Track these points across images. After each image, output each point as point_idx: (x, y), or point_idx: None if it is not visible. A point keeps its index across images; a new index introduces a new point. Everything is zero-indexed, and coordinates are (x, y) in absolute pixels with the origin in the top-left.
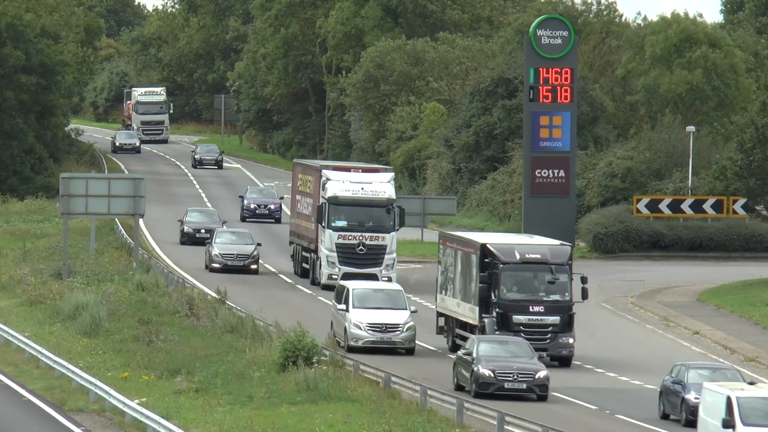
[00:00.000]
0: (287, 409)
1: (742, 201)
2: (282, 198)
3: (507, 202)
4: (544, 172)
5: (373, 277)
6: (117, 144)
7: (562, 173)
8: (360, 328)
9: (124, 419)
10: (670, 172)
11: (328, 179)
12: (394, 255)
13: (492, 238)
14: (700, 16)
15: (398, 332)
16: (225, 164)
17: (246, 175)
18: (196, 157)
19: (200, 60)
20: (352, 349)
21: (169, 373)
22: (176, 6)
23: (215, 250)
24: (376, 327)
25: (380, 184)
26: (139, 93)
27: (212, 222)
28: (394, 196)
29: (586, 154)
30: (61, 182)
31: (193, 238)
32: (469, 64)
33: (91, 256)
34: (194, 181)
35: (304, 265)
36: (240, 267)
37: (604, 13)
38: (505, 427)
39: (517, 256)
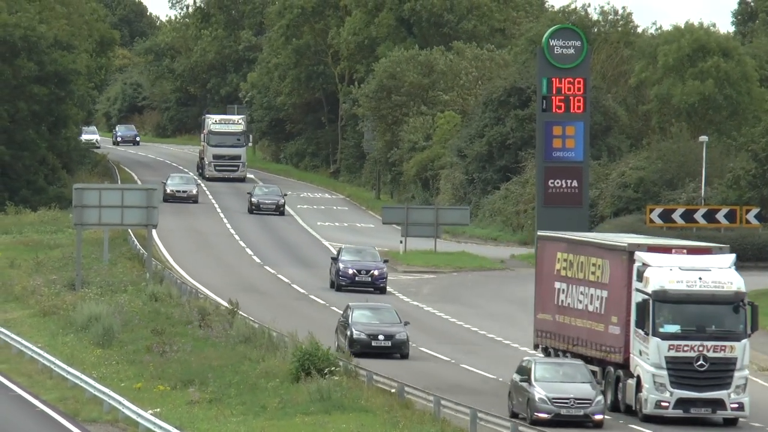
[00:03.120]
0: (301, 420)
1: (755, 210)
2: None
3: (520, 212)
4: (557, 182)
5: (718, 405)
6: (168, 191)
7: (575, 183)
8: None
9: (138, 430)
10: (683, 182)
11: (646, 265)
12: (746, 372)
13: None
14: (714, 26)
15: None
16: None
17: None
18: (253, 200)
19: (213, 71)
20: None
21: (182, 384)
22: (188, 18)
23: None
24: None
25: (722, 272)
26: (212, 121)
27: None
28: (743, 288)
29: (599, 164)
30: (75, 193)
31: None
32: (478, 74)
33: (105, 266)
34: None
35: None
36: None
37: (620, 23)
38: None
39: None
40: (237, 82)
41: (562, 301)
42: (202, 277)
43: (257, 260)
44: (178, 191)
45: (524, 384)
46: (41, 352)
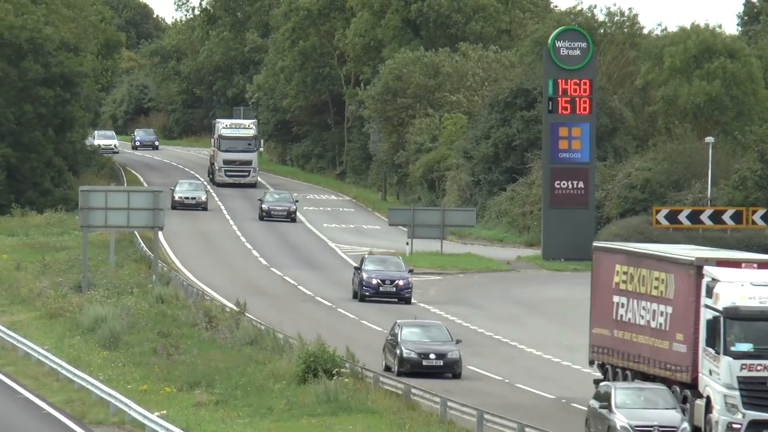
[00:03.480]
0: (307, 421)
1: (761, 211)
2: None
3: (526, 213)
4: (564, 184)
5: None
6: (176, 198)
7: (581, 184)
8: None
9: None
10: (690, 183)
11: (715, 280)
12: None
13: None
14: (719, 27)
15: None
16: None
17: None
18: (263, 207)
19: (219, 72)
20: None
21: (189, 386)
22: (194, 20)
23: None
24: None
25: None
26: (222, 126)
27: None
28: None
29: (605, 165)
30: (81, 195)
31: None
32: (484, 74)
33: (111, 268)
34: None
35: None
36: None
37: (626, 24)
38: None
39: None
40: (243, 84)
41: (622, 315)
42: (209, 279)
43: (263, 262)
44: (187, 198)
45: (604, 411)
46: (48, 354)
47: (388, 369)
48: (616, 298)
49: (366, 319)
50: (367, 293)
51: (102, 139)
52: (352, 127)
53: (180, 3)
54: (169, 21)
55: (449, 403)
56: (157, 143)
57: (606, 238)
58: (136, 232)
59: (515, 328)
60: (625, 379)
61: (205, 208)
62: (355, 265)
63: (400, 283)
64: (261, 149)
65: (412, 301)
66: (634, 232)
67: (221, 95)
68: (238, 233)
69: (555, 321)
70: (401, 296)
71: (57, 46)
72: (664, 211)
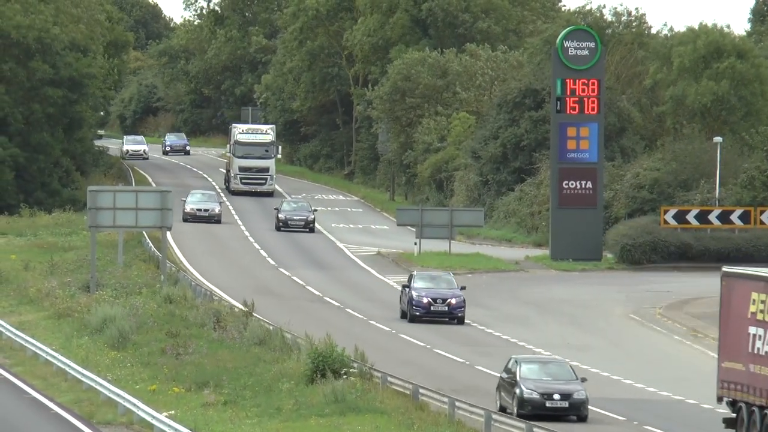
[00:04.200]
0: (316, 422)
1: None
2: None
3: (534, 213)
4: (572, 184)
5: None
6: (188, 210)
7: (589, 184)
8: None
9: None
10: (697, 183)
11: None
12: None
13: None
14: (728, 27)
15: None
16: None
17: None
18: (280, 216)
19: (227, 72)
20: None
21: (197, 386)
22: (202, 20)
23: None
24: None
25: None
26: (239, 131)
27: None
28: None
29: (614, 165)
30: (89, 195)
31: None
32: (493, 74)
33: (119, 269)
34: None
35: None
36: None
37: (634, 24)
38: None
39: None
40: (252, 83)
41: (759, 349)
42: (217, 279)
43: (272, 262)
44: (199, 210)
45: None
46: (56, 354)
47: (503, 409)
48: (752, 330)
49: (374, 319)
50: (417, 313)
51: (131, 144)
52: (360, 127)
53: (188, 2)
54: (177, 21)
55: (457, 404)
56: (188, 148)
57: (614, 239)
58: (144, 232)
59: (523, 329)
60: (763, 419)
61: (218, 221)
62: (402, 282)
63: (453, 301)
64: (279, 155)
65: (466, 321)
66: (642, 232)
67: (229, 95)
68: (246, 233)
69: (563, 321)
70: (454, 315)
71: (65, 46)
72: (672, 211)
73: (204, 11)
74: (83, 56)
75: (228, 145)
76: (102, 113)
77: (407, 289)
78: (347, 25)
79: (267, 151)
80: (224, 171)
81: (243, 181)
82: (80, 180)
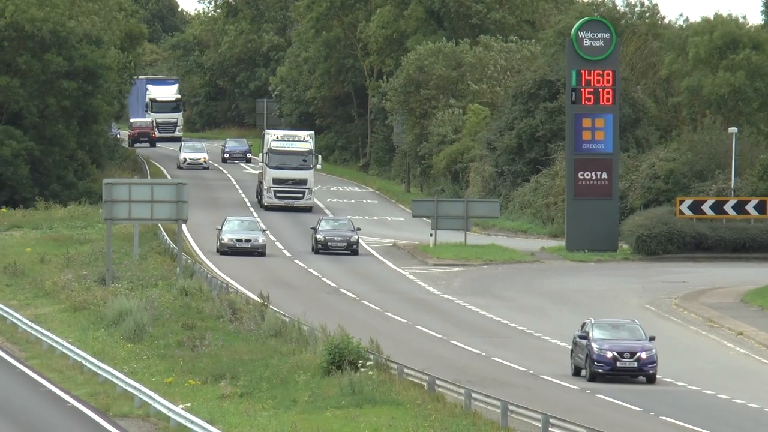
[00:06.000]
0: (332, 413)
1: None
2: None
3: (550, 204)
4: (587, 175)
5: None
6: (225, 241)
7: (604, 175)
8: None
9: (169, 424)
10: (713, 173)
11: None
12: None
13: None
14: (744, 17)
15: None
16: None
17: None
18: (318, 237)
19: (242, 64)
20: None
21: (213, 378)
22: (217, 11)
23: None
24: None
25: None
26: (273, 138)
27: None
28: None
29: (629, 156)
30: (104, 188)
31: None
32: (506, 64)
33: (135, 261)
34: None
35: None
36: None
37: (647, 15)
38: (550, 429)
39: None
40: (266, 76)
41: None
42: (232, 272)
43: (287, 254)
44: (239, 240)
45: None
46: (72, 347)
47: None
48: None
49: (390, 311)
50: (601, 370)
51: (189, 152)
52: (375, 119)
53: None
54: (192, 13)
55: (474, 395)
56: (250, 155)
57: (630, 229)
58: (159, 225)
59: (539, 319)
60: None
61: (263, 253)
62: (578, 333)
63: (643, 355)
64: (319, 165)
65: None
66: (658, 222)
67: (244, 87)
68: (262, 226)
69: (579, 312)
70: (645, 373)
71: (80, 38)
72: (688, 201)
73: (218, 2)
74: (97, 48)
75: (261, 154)
76: (117, 107)
77: (585, 341)
78: (362, 16)
79: (305, 160)
80: (257, 183)
81: (277, 194)
82: (95, 172)
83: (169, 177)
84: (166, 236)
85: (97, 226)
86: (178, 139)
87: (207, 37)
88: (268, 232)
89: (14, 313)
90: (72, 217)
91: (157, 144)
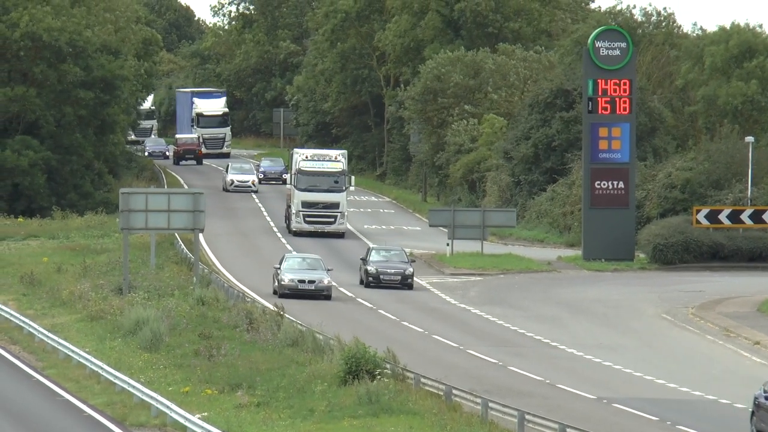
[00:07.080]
0: (349, 423)
1: None
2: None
3: (567, 213)
4: (604, 184)
5: None
6: (285, 282)
7: (621, 185)
8: None
9: None
10: (730, 182)
11: None
12: None
13: None
14: (760, 26)
15: None
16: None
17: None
18: (369, 269)
19: (258, 74)
20: None
21: (230, 388)
22: (232, 23)
23: None
24: None
25: None
26: (302, 157)
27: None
28: None
29: (645, 165)
30: (121, 197)
31: None
32: (527, 73)
33: (152, 271)
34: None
35: None
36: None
37: (663, 24)
38: None
39: None
40: (282, 86)
41: None
42: (249, 281)
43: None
44: (302, 281)
45: None
46: (89, 356)
47: None
48: None
49: (407, 320)
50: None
51: (237, 174)
52: (392, 128)
53: (216, 8)
54: (209, 23)
55: (490, 404)
56: (285, 175)
57: (646, 239)
58: (176, 234)
59: (556, 329)
60: None
61: (328, 296)
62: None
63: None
64: (352, 187)
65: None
66: (675, 231)
67: (261, 97)
68: (279, 235)
69: (596, 321)
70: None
71: (97, 48)
72: (705, 210)
73: (233, 14)
74: (114, 58)
75: (289, 175)
76: (133, 116)
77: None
78: (378, 26)
79: (337, 182)
80: (285, 207)
81: (307, 219)
82: (112, 182)
83: (186, 186)
84: (182, 246)
85: (114, 236)
86: (226, 156)
87: (221, 49)
88: (332, 270)
89: (31, 323)
90: (89, 227)
91: (204, 161)
